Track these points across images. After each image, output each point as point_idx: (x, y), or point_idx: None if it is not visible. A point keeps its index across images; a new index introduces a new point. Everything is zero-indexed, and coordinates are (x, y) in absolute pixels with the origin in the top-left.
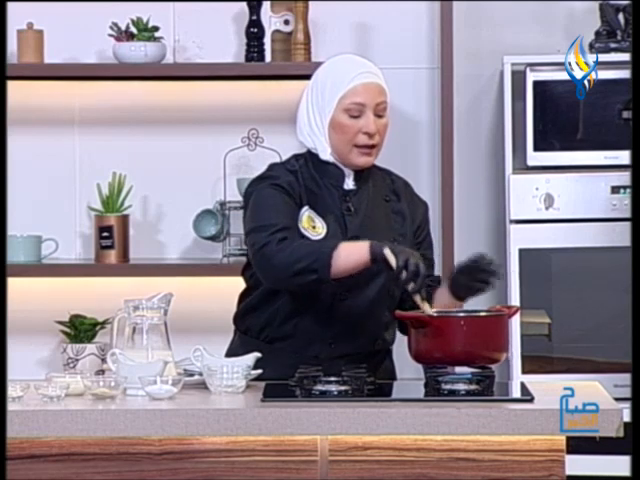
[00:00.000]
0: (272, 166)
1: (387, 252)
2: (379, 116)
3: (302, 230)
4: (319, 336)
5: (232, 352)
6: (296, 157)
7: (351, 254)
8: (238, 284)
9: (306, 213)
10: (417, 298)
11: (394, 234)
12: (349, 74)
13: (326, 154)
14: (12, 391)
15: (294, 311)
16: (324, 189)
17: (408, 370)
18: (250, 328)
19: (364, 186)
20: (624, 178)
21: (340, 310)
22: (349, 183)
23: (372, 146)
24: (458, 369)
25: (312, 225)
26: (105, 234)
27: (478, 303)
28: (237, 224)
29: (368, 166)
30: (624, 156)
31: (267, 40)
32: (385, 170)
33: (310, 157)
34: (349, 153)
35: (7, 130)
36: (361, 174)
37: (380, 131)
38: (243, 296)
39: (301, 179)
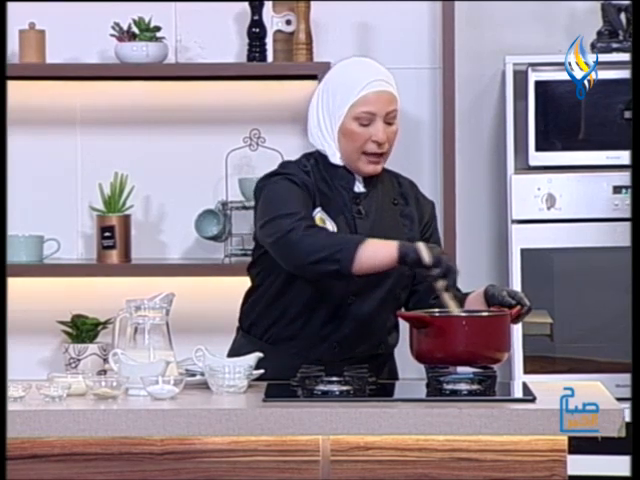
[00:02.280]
0: (285, 164)
1: (420, 246)
2: (389, 124)
3: None
4: (323, 339)
5: (234, 352)
6: (306, 157)
7: (378, 251)
8: (240, 284)
9: (318, 214)
10: (445, 296)
11: (403, 238)
12: (361, 82)
13: (335, 158)
14: (14, 391)
15: (300, 313)
16: (335, 191)
17: (410, 370)
18: (254, 328)
19: (374, 189)
20: (626, 178)
21: (346, 313)
22: (359, 186)
23: (380, 154)
24: (460, 369)
25: (323, 227)
26: (107, 234)
27: None
28: (239, 224)
29: (376, 174)
30: (626, 156)
31: (269, 40)
32: (392, 172)
33: (320, 158)
34: (357, 160)
35: (8, 130)
36: (370, 178)
37: (389, 139)
38: (248, 295)
39: (313, 179)
